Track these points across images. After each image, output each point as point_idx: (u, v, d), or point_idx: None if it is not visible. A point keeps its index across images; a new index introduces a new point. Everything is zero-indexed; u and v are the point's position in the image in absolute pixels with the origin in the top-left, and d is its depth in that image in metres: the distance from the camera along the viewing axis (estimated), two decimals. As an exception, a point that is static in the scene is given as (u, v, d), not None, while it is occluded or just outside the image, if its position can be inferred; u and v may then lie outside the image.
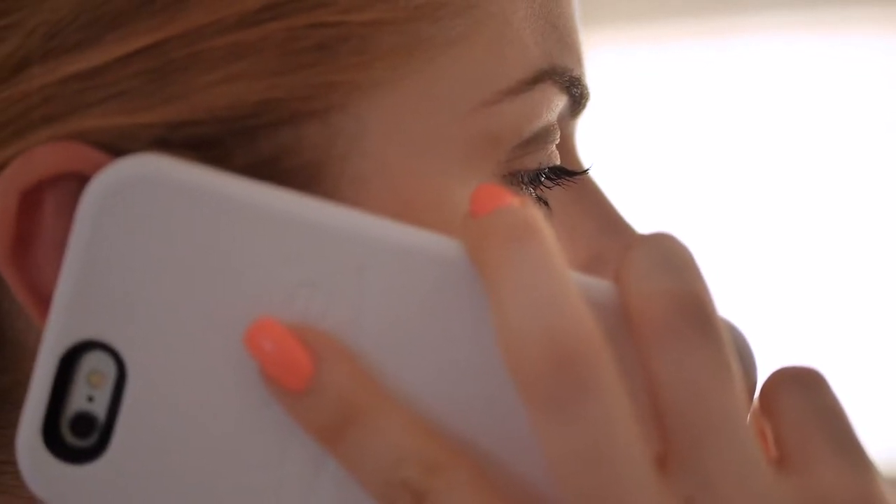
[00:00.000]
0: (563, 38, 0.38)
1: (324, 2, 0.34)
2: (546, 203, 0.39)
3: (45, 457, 0.33)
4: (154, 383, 0.33)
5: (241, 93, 0.34)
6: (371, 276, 0.33)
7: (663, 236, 0.34)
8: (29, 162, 0.34)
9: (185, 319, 0.33)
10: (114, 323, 0.33)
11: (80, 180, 0.34)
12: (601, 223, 0.41)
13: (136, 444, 0.33)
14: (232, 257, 0.33)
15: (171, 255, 0.33)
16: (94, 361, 0.33)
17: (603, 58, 1.78)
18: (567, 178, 0.40)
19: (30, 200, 0.34)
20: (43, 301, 0.34)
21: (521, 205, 0.33)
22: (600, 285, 0.34)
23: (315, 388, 0.32)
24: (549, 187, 0.39)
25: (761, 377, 0.36)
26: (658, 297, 0.32)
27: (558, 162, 0.39)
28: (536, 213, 0.32)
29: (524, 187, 0.38)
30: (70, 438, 0.33)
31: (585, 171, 0.41)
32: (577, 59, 0.39)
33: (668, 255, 0.33)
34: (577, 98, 0.39)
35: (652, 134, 1.77)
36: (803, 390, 0.34)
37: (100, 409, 0.33)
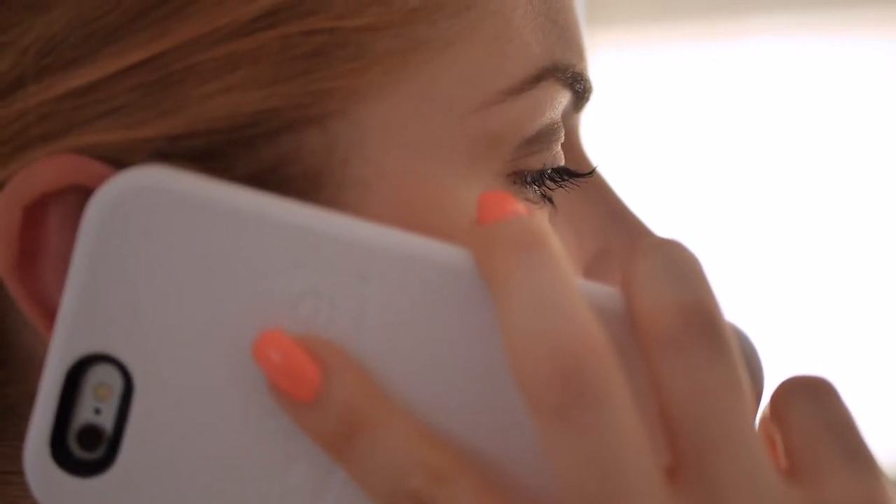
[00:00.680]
0: (564, 34, 0.38)
1: (317, 9, 0.34)
2: (551, 200, 0.39)
3: (52, 469, 0.33)
4: (160, 396, 0.33)
5: (238, 103, 0.34)
6: (376, 284, 0.33)
7: (671, 244, 0.33)
8: (31, 176, 0.34)
9: (191, 330, 0.33)
10: (119, 336, 0.33)
11: (82, 193, 0.34)
12: (608, 217, 0.41)
13: (143, 457, 0.33)
14: (236, 267, 0.33)
15: (175, 266, 0.33)
16: (100, 374, 0.33)
17: (606, 59, 1.78)
18: (572, 179, 0.40)
19: (33, 214, 0.34)
20: (49, 314, 0.35)
21: (527, 213, 0.33)
22: (607, 293, 0.34)
23: (323, 399, 0.32)
24: (552, 188, 0.39)
25: (768, 381, 0.36)
26: (666, 307, 0.32)
27: (563, 162, 0.39)
28: (543, 222, 0.33)
29: (529, 186, 0.38)
30: (77, 451, 0.33)
31: (590, 173, 0.41)
32: (579, 54, 0.39)
33: (675, 263, 0.33)
34: (581, 93, 0.39)
35: (656, 135, 1.77)
36: (813, 400, 0.34)
37: (107, 421, 0.33)
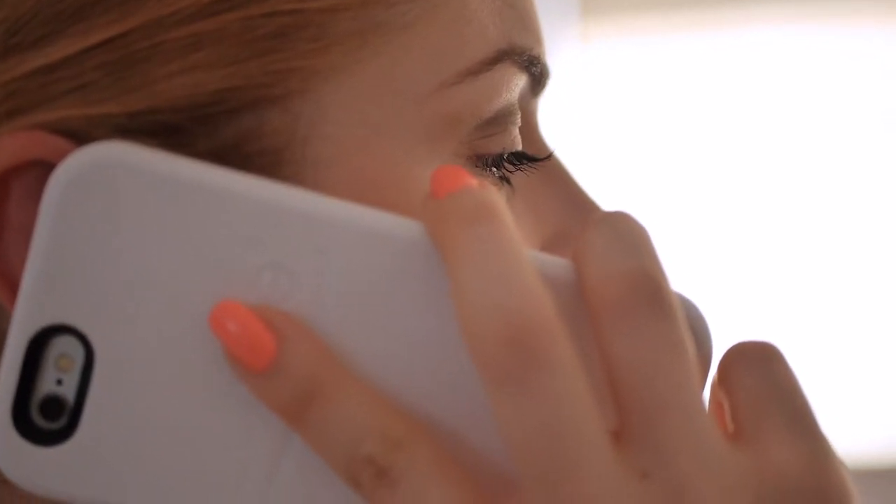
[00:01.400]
0: (521, 18, 0.39)
1: None
2: (509, 182, 0.40)
3: (14, 439, 0.34)
4: (121, 366, 0.34)
5: (200, 82, 0.35)
6: (333, 257, 0.34)
7: (620, 215, 0.34)
8: None
9: (151, 302, 0.34)
10: (80, 307, 0.34)
11: (45, 168, 0.35)
12: (565, 201, 0.42)
13: (103, 426, 0.34)
14: (196, 241, 0.34)
15: (135, 239, 0.33)
16: (62, 345, 0.34)
17: (601, 49, 1.78)
18: (530, 163, 0.40)
19: None
20: (12, 287, 0.35)
21: (480, 186, 0.34)
22: (558, 264, 0.35)
23: (278, 367, 0.33)
24: (511, 171, 0.40)
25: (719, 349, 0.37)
26: (612, 275, 0.33)
27: (520, 146, 0.40)
28: (495, 195, 0.33)
29: (487, 169, 0.39)
30: (40, 421, 0.34)
31: (547, 157, 0.42)
32: (536, 38, 0.40)
33: (623, 234, 0.34)
34: (538, 77, 0.40)
35: (651, 126, 1.77)
36: (759, 365, 0.35)
37: (69, 391, 0.34)
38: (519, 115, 0.39)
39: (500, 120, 0.38)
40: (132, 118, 0.35)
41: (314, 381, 0.33)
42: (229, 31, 0.35)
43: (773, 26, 1.75)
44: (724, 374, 0.35)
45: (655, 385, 0.32)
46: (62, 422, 0.34)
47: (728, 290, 1.72)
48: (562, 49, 1.76)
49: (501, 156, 0.39)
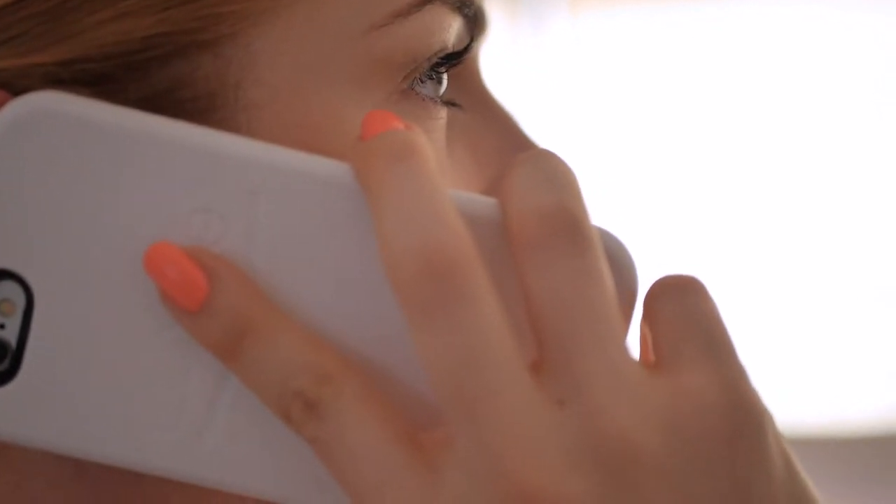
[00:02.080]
0: None
1: None
2: (456, 104, 0.41)
3: None
4: (60, 309, 0.35)
5: (130, 29, 0.35)
6: (263, 199, 0.35)
7: (545, 153, 0.35)
8: None
9: (87, 248, 0.35)
10: (19, 252, 0.35)
11: None
12: (506, 142, 0.43)
13: (43, 368, 0.35)
14: (129, 187, 0.34)
15: (70, 186, 0.34)
16: (3, 290, 0.35)
17: (592, 21, 1.79)
18: (452, 61, 0.40)
19: None
20: None
21: (406, 129, 0.35)
22: (485, 203, 0.36)
23: (210, 306, 0.34)
24: (436, 79, 0.40)
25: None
26: (530, 211, 0.34)
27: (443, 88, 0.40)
28: (418, 136, 0.34)
29: (421, 109, 0.39)
30: None
31: (468, 50, 0.41)
32: None
33: (544, 171, 0.35)
34: (472, 19, 0.40)
35: (642, 99, 1.77)
36: (679, 296, 0.36)
37: (11, 336, 0.35)
38: (455, 60, 0.40)
39: (433, 62, 0.39)
40: (64, 67, 0.35)
41: (245, 319, 0.34)
42: None
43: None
44: (647, 308, 0.36)
45: (570, 315, 0.33)
46: (4, 365, 0.35)
47: (713, 265, 1.72)
48: (551, 21, 1.77)
49: (435, 97, 0.40)
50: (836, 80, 1.71)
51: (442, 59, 0.39)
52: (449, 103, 0.41)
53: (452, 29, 0.39)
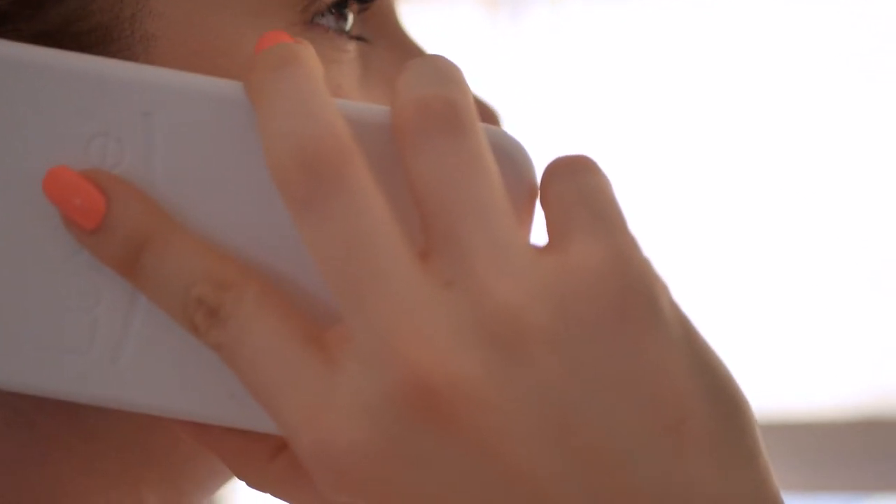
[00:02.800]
0: None
1: None
2: (364, 39, 0.42)
3: None
4: None
5: None
6: (157, 119, 0.36)
7: (432, 55, 0.36)
8: None
9: None
10: None
11: None
12: None
13: None
14: (27, 117, 0.36)
15: None
16: None
17: (571, 12, 1.79)
18: (363, 4, 0.41)
19: None
20: None
21: (293, 41, 0.36)
22: (374, 108, 0.37)
23: (108, 223, 0.35)
24: (351, 39, 0.41)
25: None
26: (412, 102, 0.35)
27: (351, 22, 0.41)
28: (303, 48, 0.35)
29: (327, 38, 0.40)
30: None
31: None
32: None
33: (430, 67, 0.35)
34: None
35: (621, 93, 1.77)
36: (570, 174, 0.36)
37: None
38: (365, 4, 0.41)
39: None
40: None
41: (142, 233, 0.35)
42: None
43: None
44: (541, 191, 0.36)
45: (453, 198, 0.34)
46: None
47: (699, 257, 1.73)
48: (531, 12, 1.77)
49: (340, 25, 0.41)
50: (825, 70, 1.71)
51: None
52: (358, 38, 0.42)
53: None
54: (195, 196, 0.36)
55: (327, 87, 0.35)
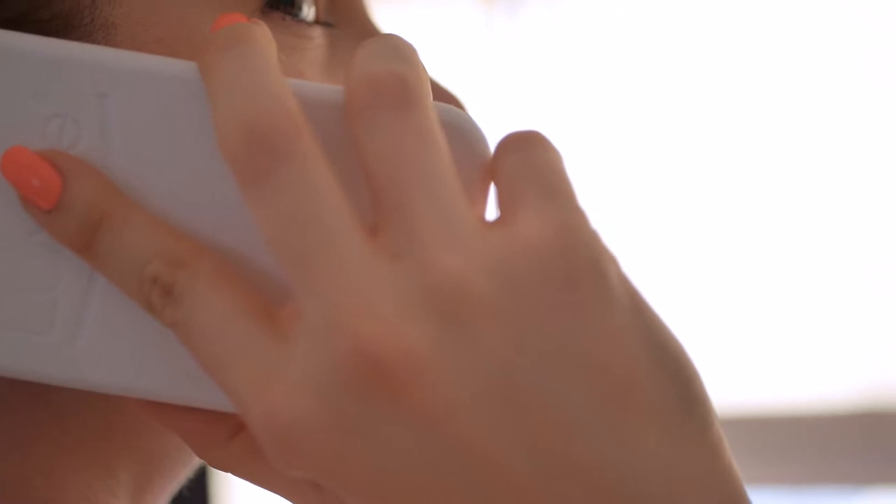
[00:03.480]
0: None
1: None
2: (330, 24, 0.42)
3: None
4: None
5: None
6: (113, 99, 0.36)
7: (388, 34, 0.36)
8: None
9: None
10: None
11: None
12: None
13: None
14: None
15: None
16: None
17: (568, 8, 1.79)
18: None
19: None
20: None
21: (247, 21, 0.36)
22: (328, 88, 0.37)
23: (64, 202, 0.35)
24: (308, 21, 0.42)
25: None
26: (362, 78, 0.35)
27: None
28: (256, 27, 0.35)
29: (288, 25, 0.41)
30: None
31: None
32: None
33: (382, 45, 0.36)
34: None
35: (617, 89, 1.77)
36: (520, 149, 0.36)
37: None
38: None
39: None
40: None
41: (97, 212, 0.35)
42: None
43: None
44: (492, 166, 0.36)
45: (401, 173, 0.34)
46: None
47: (696, 255, 1.73)
48: (527, 8, 1.77)
49: (294, 9, 0.41)
50: (821, 70, 1.71)
51: None
52: (324, 24, 0.42)
53: None
54: (151, 175, 0.36)
55: (283, 69, 0.35)
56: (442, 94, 0.43)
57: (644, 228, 1.71)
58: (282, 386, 0.33)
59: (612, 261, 0.35)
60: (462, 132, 0.37)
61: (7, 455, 0.41)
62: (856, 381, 1.67)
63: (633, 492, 0.33)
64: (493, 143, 0.37)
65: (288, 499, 0.39)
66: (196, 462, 0.45)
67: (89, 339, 0.37)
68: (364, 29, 0.44)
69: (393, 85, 0.34)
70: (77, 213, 0.35)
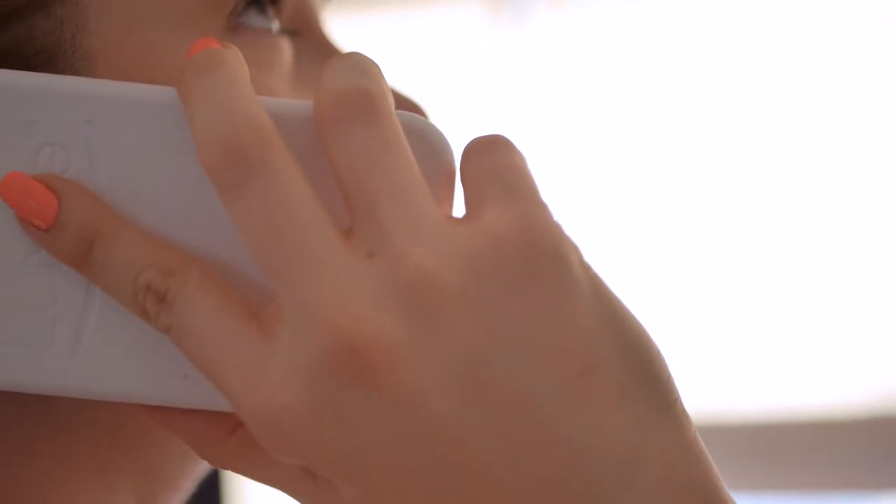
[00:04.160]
0: None
1: None
2: (297, 34, 0.45)
3: None
4: None
5: None
6: (99, 125, 0.39)
7: (352, 52, 0.39)
8: None
9: None
10: None
11: None
12: None
13: None
14: None
15: None
16: None
17: (573, 14, 1.79)
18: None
19: None
20: None
21: (222, 47, 0.38)
22: (298, 104, 0.39)
23: (61, 221, 0.38)
24: (273, 31, 0.44)
25: None
26: (329, 93, 0.37)
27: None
28: (228, 51, 0.38)
29: (255, 37, 0.43)
30: None
31: None
32: None
33: (347, 63, 0.38)
34: None
35: (623, 95, 1.77)
36: (485, 152, 0.38)
37: None
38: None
39: None
40: None
41: (92, 228, 0.38)
42: None
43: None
44: (460, 170, 0.39)
45: (370, 178, 0.37)
46: None
47: (700, 259, 1.73)
48: (533, 14, 1.77)
49: (266, 27, 0.44)
50: (824, 71, 1.72)
51: None
52: (288, 32, 0.45)
53: None
54: (138, 193, 0.39)
55: (254, 85, 0.38)
56: (405, 103, 0.45)
57: (649, 233, 1.72)
58: (270, 379, 0.35)
59: (574, 249, 0.37)
60: (425, 138, 0.39)
61: (9, 470, 0.43)
62: (865, 386, 1.67)
63: (599, 466, 0.36)
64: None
65: (284, 490, 0.41)
66: (199, 473, 0.47)
67: (89, 351, 0.39)
68: (322, 40, 0.47)
69: (358, 98, 0.37)
70: (73, 230, 0.38)
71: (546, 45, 1.79)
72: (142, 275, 0.37)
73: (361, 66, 0.38)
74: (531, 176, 0.38)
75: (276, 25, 0.45)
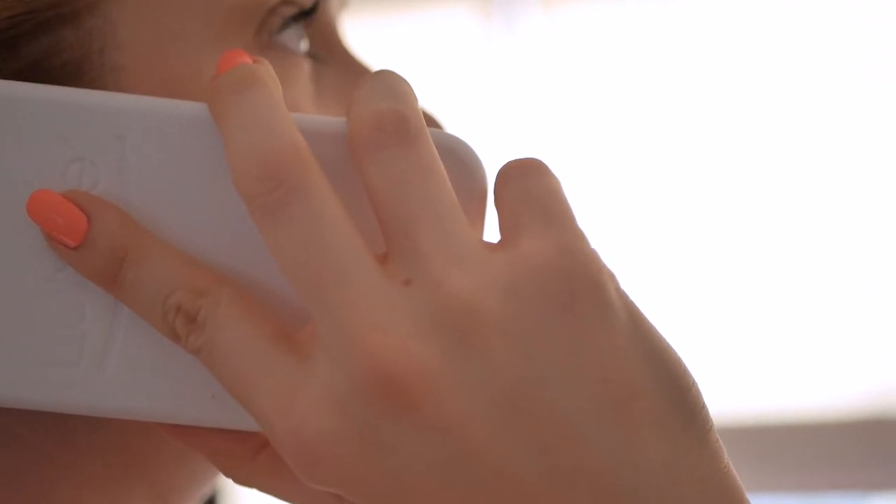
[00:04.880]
0: None
1: None
2: (318, 58, 0.44)
3: None
4: None
5: None
6: (130, 141, 0.38)
7: (383, 71, 0.39)
8: None
9: None
10: None
11: None
12: None
13: None
14: (8, 147, 0.38)
15: None
16: None
17: (564, 18, 1.79)
18: (304, 17, 0.44)
19: None
20: None
21: (253, 62, 0.38)
22: (330, 121, 0.39)
23: (91, 239, 0.37)
24: (306, 57, 0.44)
25: None
26: (365, 116, 0.37)
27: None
28: (261, 67, 0.38)
29: (284, 56, 0.43)
30: None
31: (315, 9, 0.44)
32: None
33: (380, 84, 0.38)
34: None
35: (617, 94, 1.77)
36: (521, 176, 0.38)
37: None
38: (312, 14, 0.43)
39: (283, 15, 0.42)
40: None
41: (122, 246, 0.37)
42: None
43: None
44: (495, 194, 0.38)
45: (406, 202, 0.36)
46: None
47: (698, 260, 1.73)
48: (524, 18, 1.77)
49: (292, 47, 0.43)
50: (820, 72, 1.72)
51: (294, 16, 0.43)
52: (311, 55, 0.44)
53: None
54: (169, 211, 0.38)
55: (285, 103, 0.37)
56: (425, 117, 0.45)
57: (646, 237, 1.72)
58: (304, 403, 0.35)
59: (611, 278, 0.37)
60: (458, 158, 0.39)
61: (22, 488, 0.43)
62: (862, 387, 1.67)
63: (637, 495, 0.35)
64: (487, 162, 0.40)
65: None
66: (205, 493, 0.47)
67: (116, 369, 0.38)
68: (345, 60, 0.46)
69: (393, 122, 0.37)
70: (102, 248, 0.37)
71: (537, 48, 1.79)
72: (172, 295, 0.37)
73: (395, 87, 0.37)
74: (567, 201, 0.37)
75: (304, 45, 0.44)
